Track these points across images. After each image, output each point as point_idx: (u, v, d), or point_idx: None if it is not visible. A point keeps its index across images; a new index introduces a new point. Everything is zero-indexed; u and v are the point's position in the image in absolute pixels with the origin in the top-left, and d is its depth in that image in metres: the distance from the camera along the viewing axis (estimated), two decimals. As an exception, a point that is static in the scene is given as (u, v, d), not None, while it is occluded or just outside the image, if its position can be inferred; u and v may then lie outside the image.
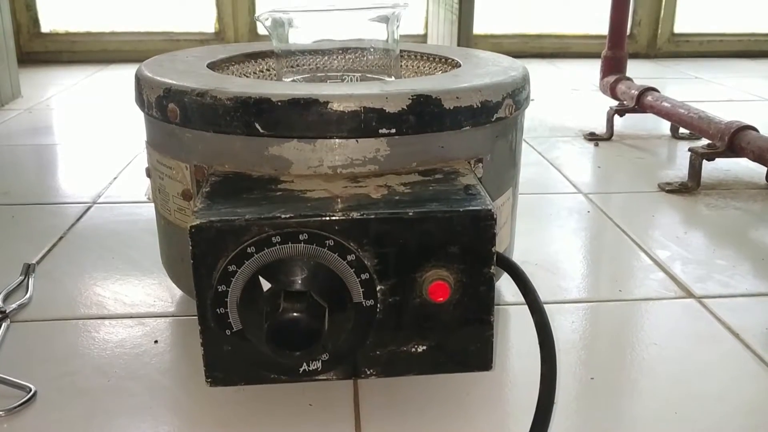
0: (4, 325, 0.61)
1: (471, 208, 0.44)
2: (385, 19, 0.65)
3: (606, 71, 1.36)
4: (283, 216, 0.42)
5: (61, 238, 0.81)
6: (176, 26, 2.10)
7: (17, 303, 0.65)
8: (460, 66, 0.64)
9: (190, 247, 0.42)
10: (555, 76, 1.90)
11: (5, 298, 0.66)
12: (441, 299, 0.44)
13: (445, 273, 0.44)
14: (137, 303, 0.66)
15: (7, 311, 0.63)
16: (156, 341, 0.60)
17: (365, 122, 0.49)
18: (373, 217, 0.43)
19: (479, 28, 1.93)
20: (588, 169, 1.10)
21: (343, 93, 0.49)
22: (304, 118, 0.49)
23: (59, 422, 0.50)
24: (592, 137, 1.26)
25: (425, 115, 0.50)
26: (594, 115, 1.39)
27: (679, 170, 1.07)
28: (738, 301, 0.67)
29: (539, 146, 1.20)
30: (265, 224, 0.42)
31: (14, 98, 1.54)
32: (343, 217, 0.43)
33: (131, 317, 0.64)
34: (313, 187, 0.48)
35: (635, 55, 2.15)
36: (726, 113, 1.08)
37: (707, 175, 1.01)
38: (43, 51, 2.05)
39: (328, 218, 0.43)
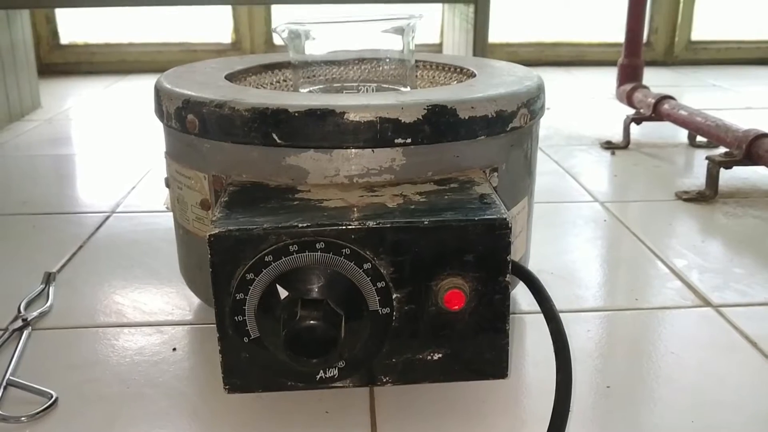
0: (25, 332, 0.62)
1: (486, 217, 0.44)
2: (400, 30, 0.65)
3: (622, 79, 1.36)
4: (300, 225, 0.43)
5: (80, 247, 0.82)
6: (193, 37, 2.12)
7: (38, 311, 0.66)
8: (475, 76, 0.64)
9: (209, 256, 0.43)
10: (571, 85, 1.90)
11: (26, 307, 0.67)
12: (456, 307, 0.44)
13: (460, 281, 0.44)
14: (156, 311, 0.67)
15: (28, 319, 0.64)
16: (174, 349, 0.60)
17: (381, 132, 0.50)
18: (389, 226, 0.43)
19: (495, 36, 1.94)
20: (604, 178, 1.10)
21: (359, 103, 0.50)
22: (321, 129, 0.49)
23: (80, 428, 0.50)
24: (609, 146, 1.26)
25: (440, 125, 0.51)
26: (610, 123, 1.39)
27: (697, 179, 1.06)
28: (756, 310, 0.67)
29: (555, 155, 1.20)
30: (282, 233, 0.43)
31: (34, 109, 1.56)
32: (360, 226, 0.43)
33: (150, 325, 0.64)
34: (329, 197, 0.48)
35: (652, 63, 2.15)
36: (745, 121, 1.07)
37: (724, 184, 1.00)
38: (63, 62, 2.08)
39: (344, 227, 0.43)
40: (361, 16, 0.65)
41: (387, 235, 0.43)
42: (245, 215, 0.45)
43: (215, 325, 0.45)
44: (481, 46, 1.38)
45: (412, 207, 0.46)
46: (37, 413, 0.51)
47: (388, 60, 0.66)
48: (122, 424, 0.51)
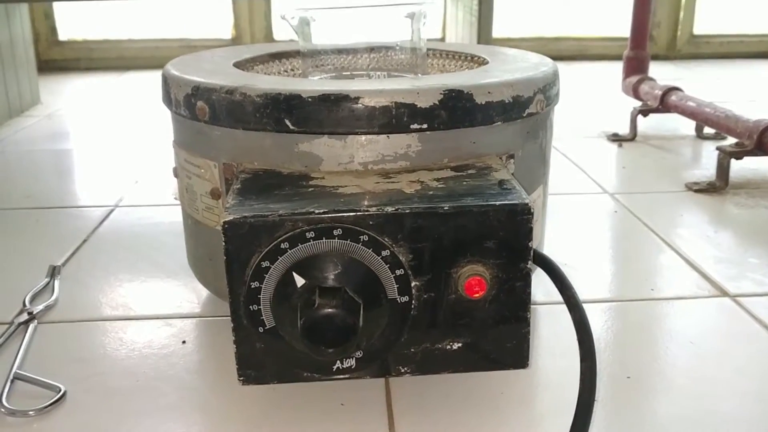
0: (31, 326, 0.61)
1: (507, 202, 0.43)
2: (411, 16, 0.64)
3: (628, 72, 1.35)
4: (317, 211, 0.42)
5: (84, 240, 0.81)
6: (193, 33, 2.11)
7: (44, 304, 0.64)
8: (487, 63, 0.63)
9: (223, 243, 0.42)
10: (575, 79, 1.89)
11: (32, 300, 0.65)
12: (477, 295, 0.43)
13: (481, 268, 0.43)
14: (163, 304, 0.66)
15: (34, 312, 0.63)
16: (184, 342, 0.59)
17: (396, 118, 0.48)
18: (408, 211, 0.42)
19: (497, 31, 1.92)
20: (613, 170, 1.09)
21: (374, 88, 0.49)
22: (335, 114, 0.48)
23: (89, 422, 0.49)
24: (616, 138, 1.25)
25: (457, 110, 0.49)
26: (616, 116, 1.38)
27: (706, 170, 1.05)
28: (774, 300, 0.66)
29: (562, 148, 1.19)
30: (298, 220, 0.42)
31: (34, 105, 1.55)
32: (378, 212, 0.42)
33: (158, 318, 0.63)
34: (344, 183, 0.47)
35: (655, 57, 2.12)
36: (750, 113, 1.06)
37: (735, 174, 0.99)
38: (62, 59, 2.06)
39: (362, 213, 0.42)
40: (370, 1, 0.63)
41: (406, 221, 0.42)
42: (259, 202, 0.44)
43: (227, 317, 0.43)
44: (485, 38, 1.37)
45: (431, 193, 0.45)
46: (46, 407, 0.50)
47: (398, 48, 0.65)
48: (132, 417, 0.50)
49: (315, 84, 0.51)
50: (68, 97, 1.67)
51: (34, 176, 1.07)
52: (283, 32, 2.09)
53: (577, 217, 0.88)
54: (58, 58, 2.06)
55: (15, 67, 1.45)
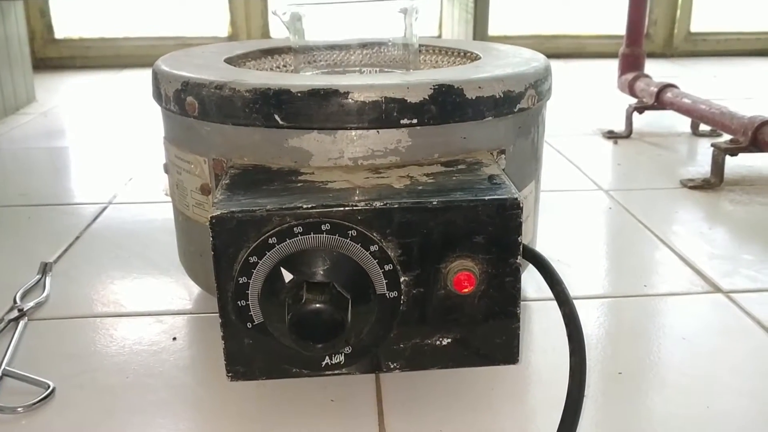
0: (21, 323, 0.61)
1: (496, 197, 0.43)
2: (403, 11, 0.64)
3: (624, 69, 1.35)
4: (304, 206, 0.42)
5: (77, 237, 0.81)
6: (189, 31, 2.10)
7: (35, 301, 0.64)
8: (480, 58, 0.63)
9: (211, 238, 0.42)
10: (571, 76, 1.89)
11: (22, 297, 0.65)
12: (466, 290, 0.43)
13: (470, 263, 0.43)
14: (155, 301, 0.66)
15: (24, 309, 0.62)
16: (174, 338, 0.59)
17: (386, 113, 0.48)
18: (396, 206, 0.42)
19: (495, 30, 1.92)
20: (608, 167, 1.09)
21: (364, 83, 0.48)
22: (324, 109, 0.48)
23: (78, 419, 0.49)
24: (611, 135, 1.24)
25: (447, 105, 0.49)
26: (612, 113, 1.38)
27: (701, 167, 1.05)
28: (767, 296, 0.66)
29: (558, 145, 1.19)
30: (286, 214, 0.41)
31: (29, 103, 1.54)
32: (366, 207, 0.42)
33: (149, 315, 0.63)
34: (334, 179, 0.47)
35: (651, 55, 2.13)
36: (746, 111, 1.06)
37: (730, 171, 0.99)
38: (57, 57, 2.06)
39: (350, 208, 0.42)
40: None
41: (395, 216, 0.42)
42: (248, 197, 0.44)
43: (216, 313, 0.43)
44: (481, 36, 1.37)
45: (420, 188, 0.45)
46: (34, 403, 0.50)
47: (390, 43, 0.65)
48: (122, 414, 0.50)
49: (304, 79, 0.51)
50: (63, 95, 1.66)
51: (29, 173, 1.06)
52: (279, 30, 2.08)
53: (571, 214, 0.88)
54: (54, 56, 2.06)
55: (10, 65, 1.45)
